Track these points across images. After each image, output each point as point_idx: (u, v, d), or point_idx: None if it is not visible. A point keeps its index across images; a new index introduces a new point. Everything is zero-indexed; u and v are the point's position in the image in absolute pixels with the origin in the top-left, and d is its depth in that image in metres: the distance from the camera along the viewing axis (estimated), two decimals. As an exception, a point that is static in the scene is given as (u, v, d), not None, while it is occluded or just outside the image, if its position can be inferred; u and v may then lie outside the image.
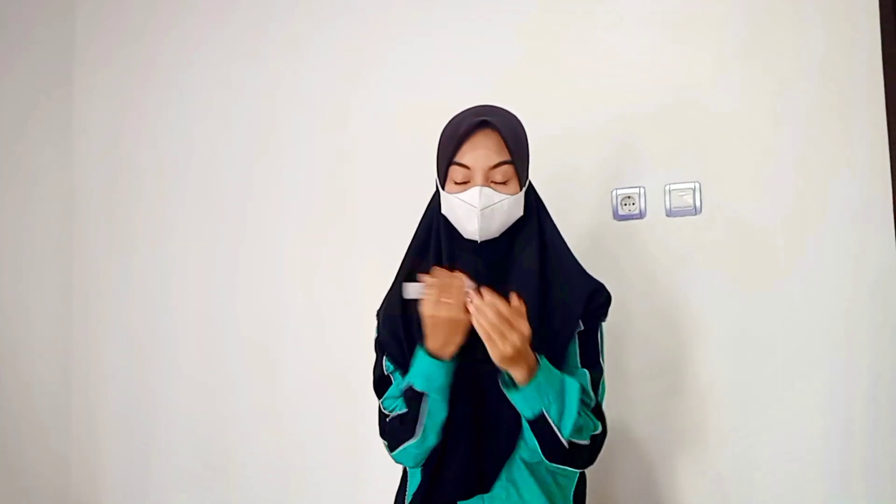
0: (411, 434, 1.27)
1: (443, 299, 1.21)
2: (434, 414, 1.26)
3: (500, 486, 1.30)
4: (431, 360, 1.24)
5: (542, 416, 1.21)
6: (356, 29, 2.25)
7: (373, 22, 2.23)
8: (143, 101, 2.54)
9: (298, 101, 2.31)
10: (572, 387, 1.23)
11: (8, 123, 2.45)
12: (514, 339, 1.17)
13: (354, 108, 2.23)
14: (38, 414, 2.47)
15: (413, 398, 1.26)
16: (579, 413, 1.22)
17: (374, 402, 1.40)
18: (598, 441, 1.29)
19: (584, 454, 1.27)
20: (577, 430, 1.23)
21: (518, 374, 1.20)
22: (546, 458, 1.25)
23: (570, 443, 1.22)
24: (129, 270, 2.52)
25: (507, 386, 1.23)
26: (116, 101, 2.58)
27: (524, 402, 1.22)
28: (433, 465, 1.31)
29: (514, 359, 1.18)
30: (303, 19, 2.32)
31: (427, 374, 1.24)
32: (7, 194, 2.43)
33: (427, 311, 1.22)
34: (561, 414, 1.21)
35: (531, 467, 1.30)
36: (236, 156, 2.38)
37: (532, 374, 1.20)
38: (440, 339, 1.23)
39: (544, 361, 1.23)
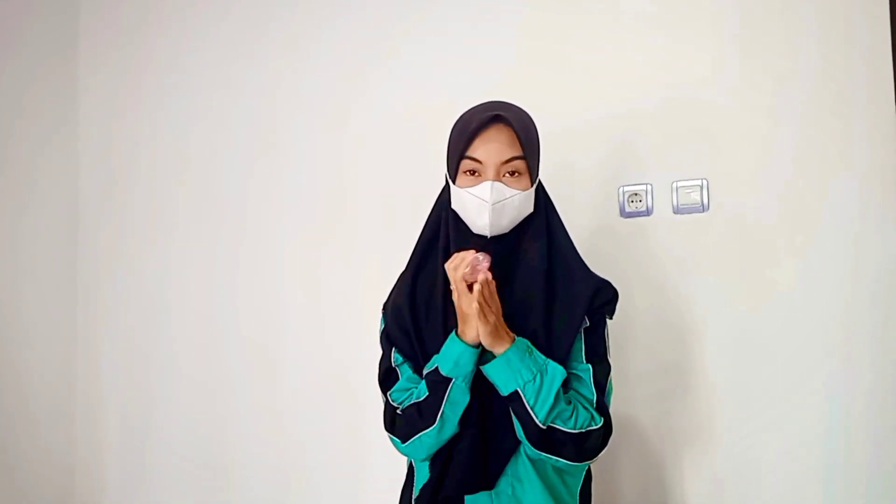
0: (431, 421, 1.27)
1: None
2: (456, 403, 1.26)
3: (505, 482, 1.30)
4: (464, 344, 1.25)
5: (517, 393, 1.23)
6: (356, 29, 2.25)
7: (373, 22, 2.23)
8: (143, 101, 2.54)
9: (298, 101, 2.31)
10: (555, 371, 1.24)
11: (10, 124, 2.43)
12: (494, 314, 1.23)
13: (354, 108, 2.23)
14: (40, 414, 2.45)
15: (439, 383, 1.26)
16: (559, 399, 1.23)
17: (374, 401, 1.40)
18: (595, 436, 1.27)
19: (574, 444, 1.25)
20: (557, 415, 1.23)
21: (499, 351, 1.24)
22: (528, 441, 1.25)
23: (549, 428, 1.23)
24: (130, 271, 2.51)
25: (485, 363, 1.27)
26: (118, 102, 2.58)
27: (495, 376, 1.25)
28: (440, 460, 1.31)
29: (499, 335, 1.23)
30: (303, 19, 2.32)
31: (457, 358, 1.25)
32: (10, 195, 2.42)
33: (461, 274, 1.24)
34: (537, 395, 1.22)
35: (535, 464, 1.30)
36: (236, 156, 2.38)
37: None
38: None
39: (523, 342, 1.26)
